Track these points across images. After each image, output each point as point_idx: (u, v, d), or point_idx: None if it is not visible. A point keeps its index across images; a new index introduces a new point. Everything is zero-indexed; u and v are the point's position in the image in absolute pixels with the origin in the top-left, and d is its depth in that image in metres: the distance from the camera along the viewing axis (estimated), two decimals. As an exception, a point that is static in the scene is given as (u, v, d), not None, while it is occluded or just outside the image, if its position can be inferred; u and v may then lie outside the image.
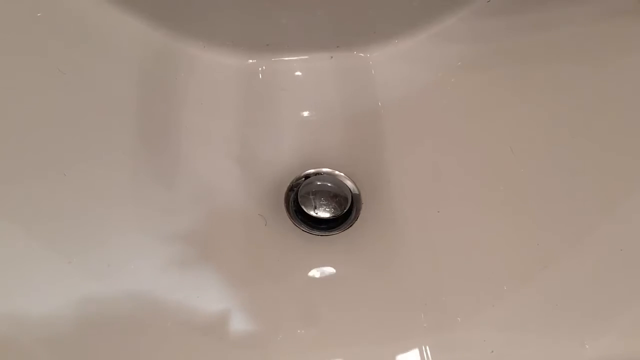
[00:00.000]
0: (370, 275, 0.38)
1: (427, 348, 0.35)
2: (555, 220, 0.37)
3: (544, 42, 0.40)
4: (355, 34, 0.42)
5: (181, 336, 0.34)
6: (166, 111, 0.40)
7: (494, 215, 0.38)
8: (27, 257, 0.33)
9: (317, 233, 0.39)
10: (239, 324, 0.35)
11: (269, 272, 0.38)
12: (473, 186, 0.40)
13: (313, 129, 0.42)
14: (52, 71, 0.37)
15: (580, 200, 0.37)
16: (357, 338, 0.36)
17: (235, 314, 0.35)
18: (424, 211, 0.39)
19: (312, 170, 0.41)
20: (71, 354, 0.32)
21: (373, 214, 0.40)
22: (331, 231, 0.39)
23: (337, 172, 0.41)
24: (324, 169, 0.41)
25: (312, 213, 0.39)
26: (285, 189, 0.40)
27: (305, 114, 0.42)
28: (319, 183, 0.40)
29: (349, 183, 0.41)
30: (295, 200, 0.40)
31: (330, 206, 0.40)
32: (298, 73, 0.43)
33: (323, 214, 0.39)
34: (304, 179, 0.41)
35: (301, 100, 0.42)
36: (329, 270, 0.38)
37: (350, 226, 0.40)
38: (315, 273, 0.38)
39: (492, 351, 0.34)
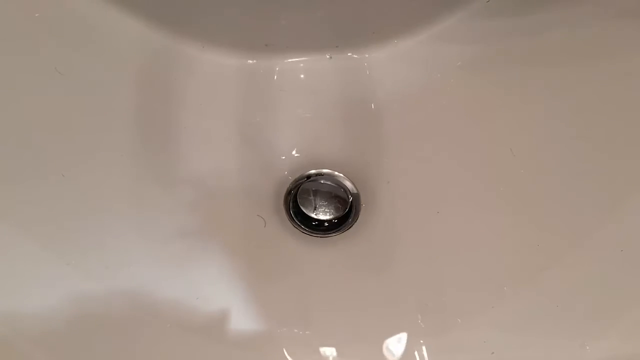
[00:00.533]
0: (369, 276, 0.38)
1: (428, 349, 0.35)
2: (556, 221, 0.37)
3: (544, 43, 0.40)
4: (354, 34, 0.42)
5: (180, 337, 0.34)
6: (165, 112, 0.40)
7: (494, 216, 0.38)
8: (26, 257, 0.33)
9: (317, 234, 0.39)
10: (237, 324, 0.35)
11: (268, 273, 0.37)
12: (473, 187, 0.39)
13: (312, 129, 0.42)
14: (50, 72, 0.37)
15: (580, 201, 0.37)
16: (356, 339, 0.36)
17: (233, 315, 0.35)
18: (423, 212, 0.39)
19: (311, 171, 0.41)
20: (69, 354, 0.32)
21: (373, 215, 0.40)
22: (331, 232, 0.39)
23: (336, 173, 0.41)
24: (324, 170, 0.41)
25: (311, 214, 0.39)
26: (284, 190, 0.40)
27: (305, 114, 0.42)
28: (318, 184, 0.40)
29: (348, 184, 0.41)
30: (295, 201, 0.39)
31: (330, 207, 0.39)
32: (297, 73, 0.43)
33: (323, 215, 0.39)
34: (303, 180, 0.41)
35: (300, 100, 0.42)
36: (329, 271, 0.38)
37: (350, 227, 0.39)
38: (314, 274, 0.38)
39: (493, 352, 0.34)
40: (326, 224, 0.39)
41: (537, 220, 0.38)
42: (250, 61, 0.42)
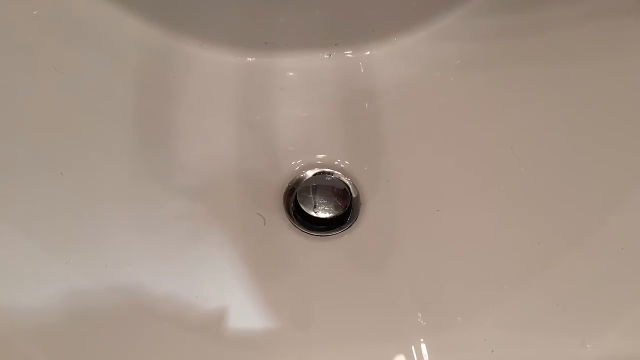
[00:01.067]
0: (369, 275, 0.38)
1: (428, 348, 0.35)
2: (556, 219, 0.37)
3: (544, 41, 0.40)
4: (353, 32, 0.42)
5: (178, 335, 0.34)
6: (164, 110, 0.40)
7: (494, 214, 0.38)
8: (24, 255, 0.33)
9: (316, 233, 0.39)
10: (236, 323, 0.35)
11: (267, 272, 0.37)
12: (473, 185, 0.39)
13: (312, 127, 0.42)
14: (48, 69, 0.37)
15: (581, 200, 0.37)
16: (357, 338, 0.36)
17: (232, 313, 0.35)
18: (423, 210, 0.39)
19: (311, 170, 0.41)
20: (67, 352, 0.32)
21: (372, 214, 0.40)
22: (330, 231, 0.39)
23: (336, 171, 0.41)
24: (324, 169, 0.41)
25: (311, 213, 0.39)
26: (284, 188, 0.40)
27: (304, 112, 0.42)
28: (318, 183, 0.40)
29: (348, 182, 0.40)
30: (295, 199, 0.39)
31: (330, 205, 0.39)
32: (296, 72, 0.43)
33: (322, 213, 0.39)
34: (303, 178, 0.40)
35: (299, 98, 0.42)
36: (328, 269, 0.38)
37: (350, 226, 0.39)
38: (313, 272, 0.38)
39: (493, 351, 0.34)
40: (326, 223, 0.39)
41: (537, 218, 0.38)
42: (249, 59, 0.42)
